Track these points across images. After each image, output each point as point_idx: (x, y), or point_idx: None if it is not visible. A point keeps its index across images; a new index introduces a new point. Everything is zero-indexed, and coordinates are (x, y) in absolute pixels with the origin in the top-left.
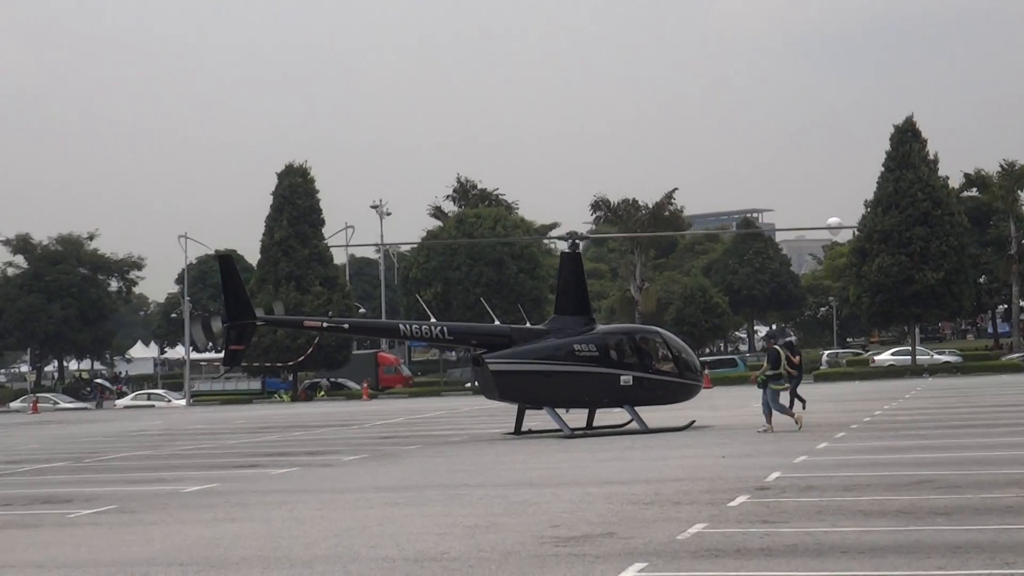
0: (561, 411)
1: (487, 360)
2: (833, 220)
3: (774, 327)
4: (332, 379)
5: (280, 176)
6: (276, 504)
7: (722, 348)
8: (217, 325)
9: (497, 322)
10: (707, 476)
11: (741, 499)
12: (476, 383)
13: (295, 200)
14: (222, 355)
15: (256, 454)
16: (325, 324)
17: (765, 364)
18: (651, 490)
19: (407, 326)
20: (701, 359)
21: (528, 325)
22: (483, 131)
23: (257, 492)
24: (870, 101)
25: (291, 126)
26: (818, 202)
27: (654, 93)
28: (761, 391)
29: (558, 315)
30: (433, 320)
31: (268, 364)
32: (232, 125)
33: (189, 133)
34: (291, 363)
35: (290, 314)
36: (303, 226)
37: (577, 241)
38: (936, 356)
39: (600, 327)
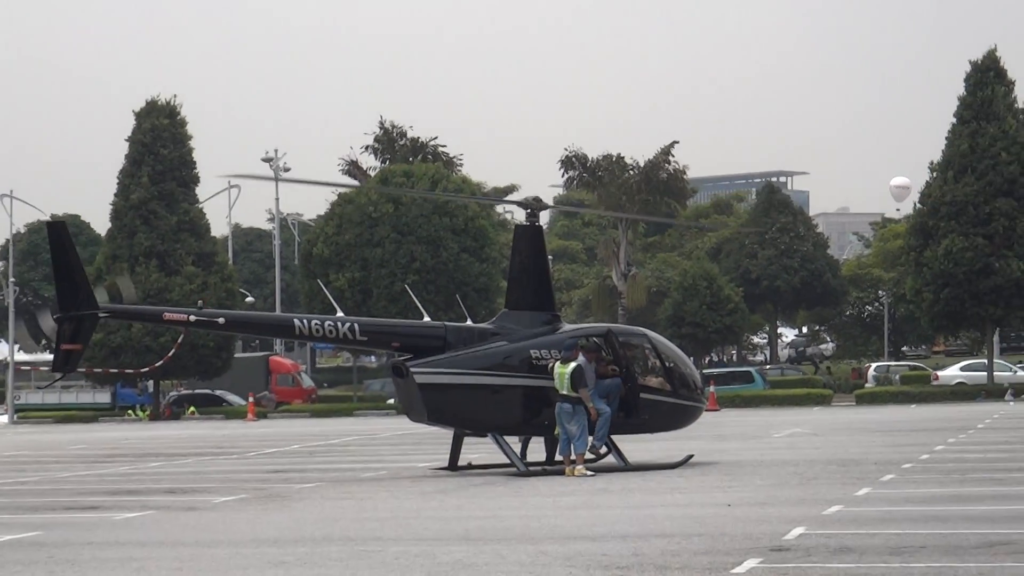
0: (512, 440)
1: (412, 369)
2: (899, 180)
3: (803, 331)
4: (213, 391)
5: (139, 116)
6: (117, 561)
7: (734, 357)
8: (48, 320)
9: (427, 318)
10: (706, 531)
11: (751, 563)
12: (399, 399)
13: (159, 149)
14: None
15: (97, 492)
16: (192, 317)
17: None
18: (629, 549)
19: (304, 322)
20: (706, 371)
21: (469, 323)
22: (412, 66)
23: (93, 544)
24: (939, 28)
25: (156, 52)
26: (867, 163)
27: (647, 14)
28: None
29: (510, 310)
30: (341, 314)
31: (117, 370)
32: (80, 50)
33: (14, 53)
34: (145, 368)
35: (152, 302)
36: (170, 184)
37: (538, 210)
38: (1021, 372)
39: (566, 327)
